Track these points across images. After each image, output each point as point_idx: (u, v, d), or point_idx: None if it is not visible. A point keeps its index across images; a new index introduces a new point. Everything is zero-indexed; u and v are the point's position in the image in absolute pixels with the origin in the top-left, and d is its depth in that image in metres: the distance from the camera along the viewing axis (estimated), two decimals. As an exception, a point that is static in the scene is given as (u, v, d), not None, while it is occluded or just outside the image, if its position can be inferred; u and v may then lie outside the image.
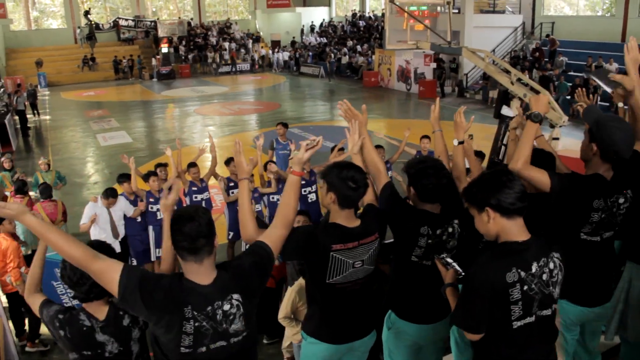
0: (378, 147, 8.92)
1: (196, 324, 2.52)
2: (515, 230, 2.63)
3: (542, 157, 3.65)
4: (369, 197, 3.48)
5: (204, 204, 8.04)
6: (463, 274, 2.92)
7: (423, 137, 9.14)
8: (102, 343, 2.88)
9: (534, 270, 2.59)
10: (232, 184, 8.07)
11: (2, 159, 9.64)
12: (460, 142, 4.01)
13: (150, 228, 7.57)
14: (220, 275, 2.61)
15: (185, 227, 2.50)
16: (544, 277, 2.62)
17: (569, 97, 20.52)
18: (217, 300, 2.56)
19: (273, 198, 7.98)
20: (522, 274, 2.55)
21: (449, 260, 3.05)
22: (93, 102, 27.70)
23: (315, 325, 3.37)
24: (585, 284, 3.52)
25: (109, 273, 2.47)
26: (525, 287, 2.56)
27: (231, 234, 8.20)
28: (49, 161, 9.76)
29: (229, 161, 8.24)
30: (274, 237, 2.91)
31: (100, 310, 2.92)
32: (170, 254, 2.93)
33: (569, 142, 10.08)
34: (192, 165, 8.26)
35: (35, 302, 3.07)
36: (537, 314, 2.64)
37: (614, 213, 3.36)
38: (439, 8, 17.07)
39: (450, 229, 3.42)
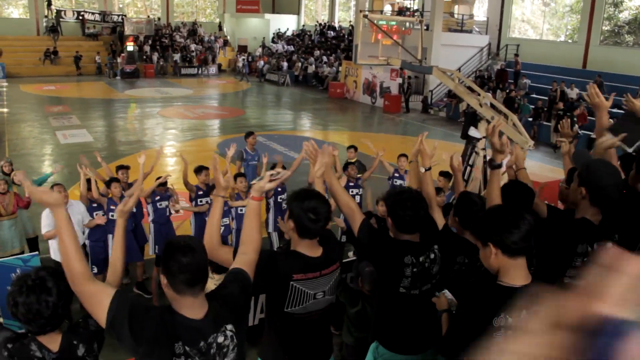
0: (350, 163, 8.96)
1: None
2: (514, 272, 2.62)
3: (520, 192, 3.68)
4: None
5: (167, 212, 7.90)
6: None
7: (401, 156, 9.20)
8: None
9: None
10: (200, 193, 7.94)
11: (2, 162, 9.21)
12: (427, 169, 4.03)
13: (110, 237, 7.36)
14: (212, 307, 2.52)
15: (185, 259, 2.38)
16: None
17: (530, 119, 20.98)
18: (211, 333, 2.48)
19: (241, 210, 7.88)
20: (510, 320, 2.53)
21: (449, 295, 3.07)
22: (53, 97, 27.06)
23: (272, 352, 3.32)
24: None
25: (99, 297, 2.40)
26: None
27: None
28: (11, 163, 9.29)
29: (199, 169, 8.10)
30: (246, 262, 2.85)
31: (53, 341, 2.73)
32: (120, 264, 2.88)
33: (531, 164, 10.21)
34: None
35: None
36: None
37: None
38: (407, 24, 17.24)
39: (432, 255, 3.44)
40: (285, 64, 35.90)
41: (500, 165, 3.45)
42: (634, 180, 3.64)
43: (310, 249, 3.12)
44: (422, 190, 3.88)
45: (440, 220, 3.79)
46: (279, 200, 8.41)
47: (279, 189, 8.28)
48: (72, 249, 2.43)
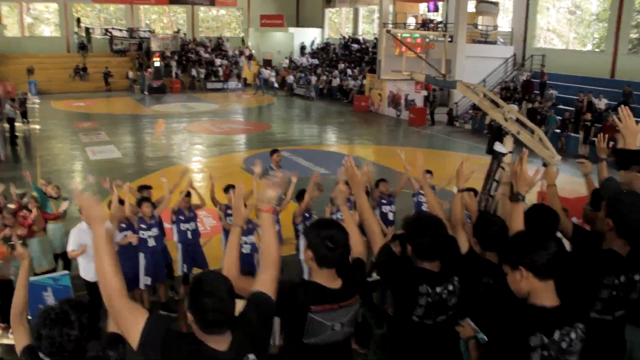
0: (382, 180, 8.98)
1: None
2: (544, 294, 2.67)
3: (544, 216, 3.67)
4: (357, 250, 3.43)
5: (189, 235, 8.01)
6: (485, 338, 2.94)
7: (426, 172, 9.20)
8: None
9: (555, 337, 2.61)
10: (229, 211, 8.04)
11: (48, 187, 9.41)
12: (461, 190, 4.05)
13: (142, 255, 7.51)
14: (235, 337, 2.55)
15: (211, 303, 2.41)
16: (563, 344, 2.64)
17: (558, 131, 20.77)
18: None
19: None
20: (545, 340, 2.59)
21: (472, 324, 3.08)
22: (83, 113, 27.62)
23: None
24: None
25: (135, 316, 2.44)
26: (545, 352, 2.59)
27: None
28: (58, 186, 9.42)
29: (227, 189, 8.23)
30: (267, 281, 2.86)
31: None
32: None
33: (559, 178, 10.13)
34: (187, 195, 8.26)
35: (18, 338, 3.00)
36: None
37: (628, 290, 3.29)
38: (431, 36, 17.23)
39: (450, 287, 3.40)
40: (314, 78, 35.98)
41: (523, 199, 3.43)
42: None
43: (330, 280, 3.10)
44: (452, 212, 3.92)
45: (464, 243, 3.79)
46: (307, 225, 8.33)
47: (307, 215, 8.13)
48: (110, 265, 2.46)
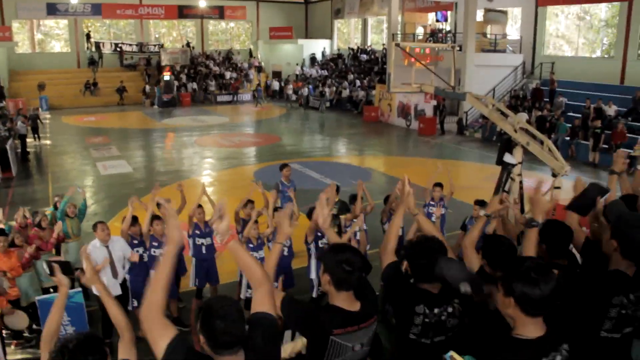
0: (436, 185, 9.30)
1: None
2: (531, 326, 2.66)
3: (558, 232, 3.68)
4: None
5: (204, 250, 8.01)
6: None
7: (435, 185, 9.27)
8: None
9: None
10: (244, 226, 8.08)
11: (57, 199, 9.52)
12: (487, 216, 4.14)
13: (152, 272, 7.51)
14: (247, 358, 2.64)
15: (222, 326, 2.51)
16: None
17: (568, 139, 20.68)
18: None
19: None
20: None
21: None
22: (94, 128, 27.82)
23: None
24: None
25: (165, 331, 2.57)
26: None
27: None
28: (75, 204, 9.48)
29: (245, 204, 8.33)
30: (260, 300, 2.90)
31: None
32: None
33: (569, 185, 10.07)
34: (198, 206, 8.27)
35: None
36: None
37: (637, 308, 3.35)
38: (439, 47, 17.27)
39: (450, 309, 3.45)
40: (327, 90, 35.99)
41: (538, 224, 3.47)
42: None
43: (349, 303, 3.17)
44: (470, 233, 3.95)
45: (475, 262, 3.79)
46: (320, 245, 8.19)
47: (319, 234, 8.04)
48: (166, 283, 2.65)
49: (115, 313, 3.13)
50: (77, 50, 40.14)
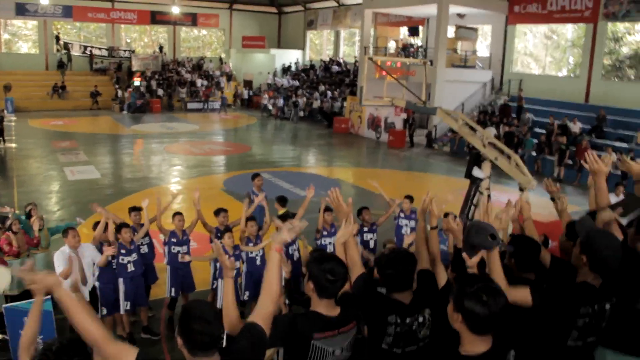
0: (364, 208, 9.10)
1: None
2: (477, 343, 2.73)
3: (526, 247, 3.80)
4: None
5: (179, 257, 7.96)
6: None
7: (406, 197, 9.38)
8: None
9: None
10: (219, 235, 8.09)
11: (33, 219, 9.34)
12: (434, 228, 4.15)
13: (121, 280, 7.45)
14: None
15: (200, 329, 2.57)
16: None
17: (534, 154, 21.13)
18: None
19: (252, 254, 7.98)
20: None
21: None
22: (61, 132, 27.32)
23: None
24: None
25: (123, 356, 2.58)
26: None
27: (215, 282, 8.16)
28: (42, 217, 9.34)
29: (218, 212, 8.34)
30: (264, 316, 2.99)
31: None
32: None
33: (536, 200, 10.24)
34: (177, 213, 8.25)
35: None
36: None
37: (600, 319, 3.51)
38: (410, 61, 17.52)
39: (421, 319, 3.54)
40: (301, 100, 36.06)
41: (498, 243, 3.51)
42: (632, 240, 3.78)
43: (329, 309, 3.28)
44: (429, 248, 3.99)
45: (443, 276, 3.87)
46: (289, 252, 8.42)
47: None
48: (86, 319, 2.61)
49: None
50: (45, 52, 39.50)
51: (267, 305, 3.05)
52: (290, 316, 3.41)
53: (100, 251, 7.48)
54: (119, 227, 7.57)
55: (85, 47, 40.30)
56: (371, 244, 8.96)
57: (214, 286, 8.19)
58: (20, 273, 2.89)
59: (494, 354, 2.73)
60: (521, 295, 3.41)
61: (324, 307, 3.27)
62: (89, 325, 2.58)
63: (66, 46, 39.27)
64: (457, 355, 2.73)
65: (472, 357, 2.69)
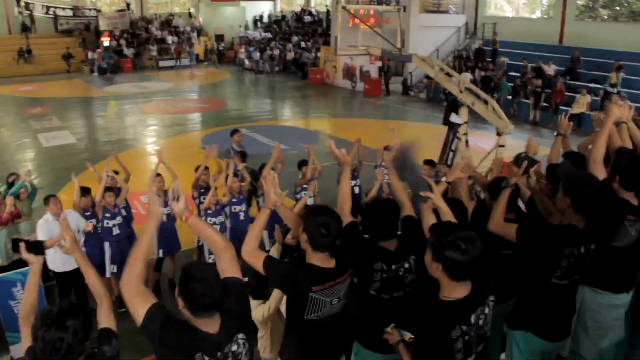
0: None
1: None
2: (456, 289, 2.81)
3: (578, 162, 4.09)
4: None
5: (165, 219, 7.89)
6: (412, 337, 3.12)
7: (385, 149, 9.33)
8: None
9: (472, 321, 2.80)
10: (202, 191, 8.07)
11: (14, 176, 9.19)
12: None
13: (107, 244, 7.47)
14: (223, 321, 2.79)
15: (200, 289, 2.65)
16: (480, 322, 2.85)
17: (510, 98, 21.22)
18: (226, 344, 2.80)
19: (235, 209, 8.03)
20: (464, 327, 2.76)
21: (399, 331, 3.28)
22: (32, 98, 26.59)
23: (294, 354, 3.60)
24: (552, 322, 3.81)
25: (144, 300, 2.75)
26: (467, 337, 2.77)
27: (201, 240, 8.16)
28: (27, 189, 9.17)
29: (197, 169, 8.38)
30: (226, 266, 3.05)
31: None
32: (142, 259, 2.89)
33: (512, 142, 10.33)
34: (157, 175, 8.11)
35: (25, 339, 3.04)
36: (476, 351, 2.87)
37: (584, 258, 3.64)
38: (384, 9, 17.30)
39: (406, 265, 3.65)
40: (276, 52, 35.47)
41: (513, 185, 3.81)
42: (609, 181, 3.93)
43: (324, 261, 3.34)
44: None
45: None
46: (233, 210, 8.39)
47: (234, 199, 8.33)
48: (145, 254, 2.85)
49: (94, 282, 3.21)
50: (6, 14, 37.98)
51: (223, 255, 3.10)
52: (289, 267, 3.47)
53: (83, 217, 7.44)
54: (104, 191, 7.49)
55: (48, 8, 38.98)
56: (356, 190, 9.09)
57: (200, 243, 8.24)
58: (63, 230, 3.15)
59: (473, 298, 2.82)
60: (508, 232, 3.65)
61: (320, 260, 3.33)
62: (143, 260, 2.83)
63: (28, 7, 37.95)
64: (439, 302, 2.82)
65: (453, 302, 2.78)
